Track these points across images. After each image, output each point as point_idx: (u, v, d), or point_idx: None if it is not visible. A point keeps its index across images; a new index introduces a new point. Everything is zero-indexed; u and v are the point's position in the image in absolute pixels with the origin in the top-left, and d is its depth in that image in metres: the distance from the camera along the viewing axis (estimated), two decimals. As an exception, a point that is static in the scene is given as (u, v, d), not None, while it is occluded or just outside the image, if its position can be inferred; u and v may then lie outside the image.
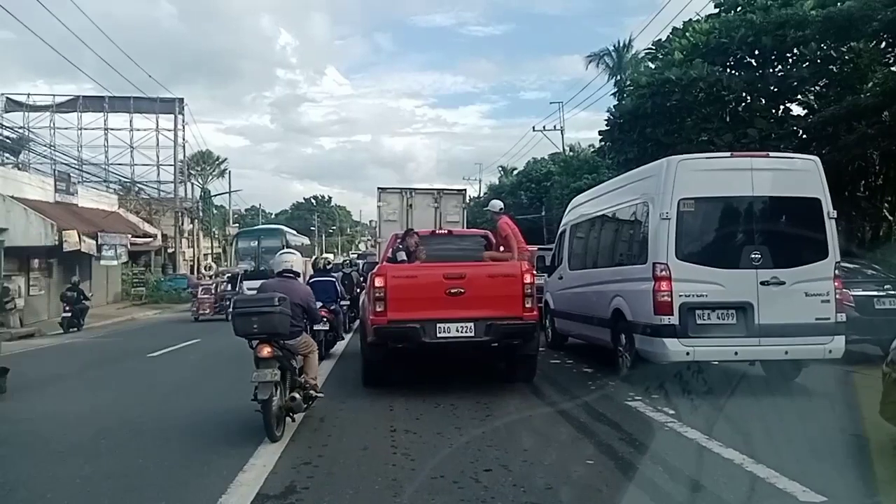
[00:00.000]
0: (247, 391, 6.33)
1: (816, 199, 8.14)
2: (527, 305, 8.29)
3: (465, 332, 8.20)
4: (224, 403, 8.21)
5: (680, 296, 7.86)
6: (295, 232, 45.54)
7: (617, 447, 5.96)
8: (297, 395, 6.69)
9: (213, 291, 24.82)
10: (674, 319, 7.85)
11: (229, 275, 27.53)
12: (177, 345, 15.88)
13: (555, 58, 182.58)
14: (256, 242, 34.38)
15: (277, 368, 6.37)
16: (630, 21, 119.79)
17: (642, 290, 8.26)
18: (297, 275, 7.59)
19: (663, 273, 7.95)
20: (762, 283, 7.83)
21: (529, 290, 8.32)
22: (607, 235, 10.65)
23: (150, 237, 35.51)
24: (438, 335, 8.19)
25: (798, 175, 8.32)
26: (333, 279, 13.20)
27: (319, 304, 9.35)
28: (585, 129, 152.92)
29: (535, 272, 9.12)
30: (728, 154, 9.29)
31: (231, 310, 7.14)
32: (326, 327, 10.90)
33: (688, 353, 7.87)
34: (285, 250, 8.60)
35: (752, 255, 7.90)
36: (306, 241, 48.24)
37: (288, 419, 6.76)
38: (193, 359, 13.96)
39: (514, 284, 8.32)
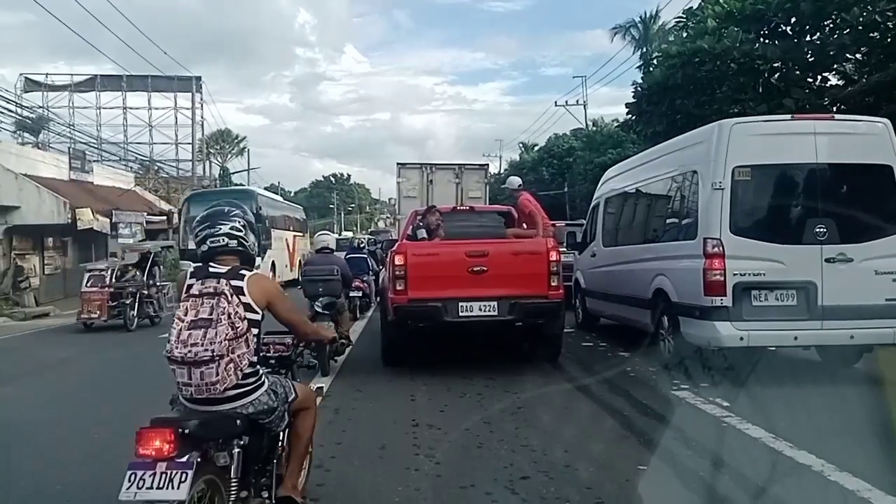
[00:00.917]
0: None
1: (887, 167, 7.23)
2: (552, 283, 7.98)
3: (489, 310, 7.95)
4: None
5: (734, 274, 7.04)
6: (279, 198, 36.51)
7: (672, 448, 5.17)
8: (344, 342, 9.06)
9: (107, 282, 14.90)
10: (727, 301, 7.03)
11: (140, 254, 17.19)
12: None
13: (577, 33, 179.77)
14: None
15: (330, 321, 8.31)
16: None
17: (690, 269, 7.44)
18: (332, 250, 9.54)
19: (716, 249, 7.13)
20: (827, 261, 6.99)
21: (556, 268, 7.98)
22: (647, 209, 9.82)
23: (165, 215, 35.01)
24: (461, 314, 7.92)
25: (866, 139, 7.42)
26: (365, 255, 15.32)
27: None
28: (608, 104, 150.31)
29: (560, 249, 8.55)
30: (788, 117, 8.36)
31: (301, 278, 8.73)
32: (359, 294, 12.67)
33: (741, 338, 7.05)
34: (323, 231, 11.32)
35: (816, 230, 7.03)
36: (299, 212, 35.26)
37: (332, 361, 8.54)
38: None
39: (539, 262, 8.01)
